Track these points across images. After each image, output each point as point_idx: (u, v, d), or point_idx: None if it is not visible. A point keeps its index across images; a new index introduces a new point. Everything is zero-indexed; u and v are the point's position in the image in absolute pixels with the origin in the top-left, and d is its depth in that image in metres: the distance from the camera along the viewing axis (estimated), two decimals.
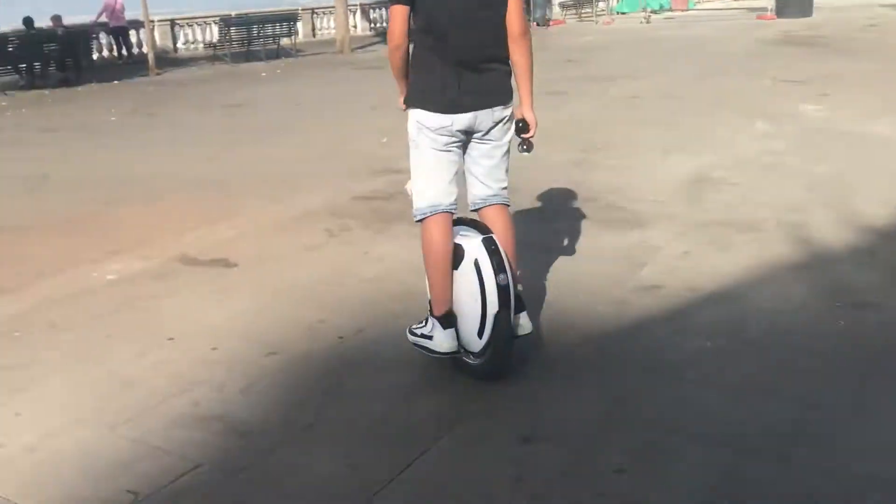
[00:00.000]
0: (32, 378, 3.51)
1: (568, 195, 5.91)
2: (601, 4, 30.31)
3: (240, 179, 7.16)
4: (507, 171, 3.34)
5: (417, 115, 3.15)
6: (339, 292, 4.35)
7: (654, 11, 27.18)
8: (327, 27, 25.35)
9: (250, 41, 19.15)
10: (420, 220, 3.19)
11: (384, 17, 26.64)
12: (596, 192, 5.99)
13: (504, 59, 3.21)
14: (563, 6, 29.90)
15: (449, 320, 3.15)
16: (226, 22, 18.78)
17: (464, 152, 3.24)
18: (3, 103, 13.58)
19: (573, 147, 7.56)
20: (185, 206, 6.33)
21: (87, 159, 8.51)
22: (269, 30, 19.50)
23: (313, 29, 24.99)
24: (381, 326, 3.83)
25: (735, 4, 31.13)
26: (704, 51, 16.01)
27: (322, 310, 4.08)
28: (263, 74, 16.60)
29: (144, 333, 3.92)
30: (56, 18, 15.99)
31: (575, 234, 5.03)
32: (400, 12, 3.05)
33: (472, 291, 3.05)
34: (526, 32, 3.21)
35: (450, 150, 3.17)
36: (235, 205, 6.28)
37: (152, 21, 19.82)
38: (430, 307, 3.24)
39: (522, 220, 4.77)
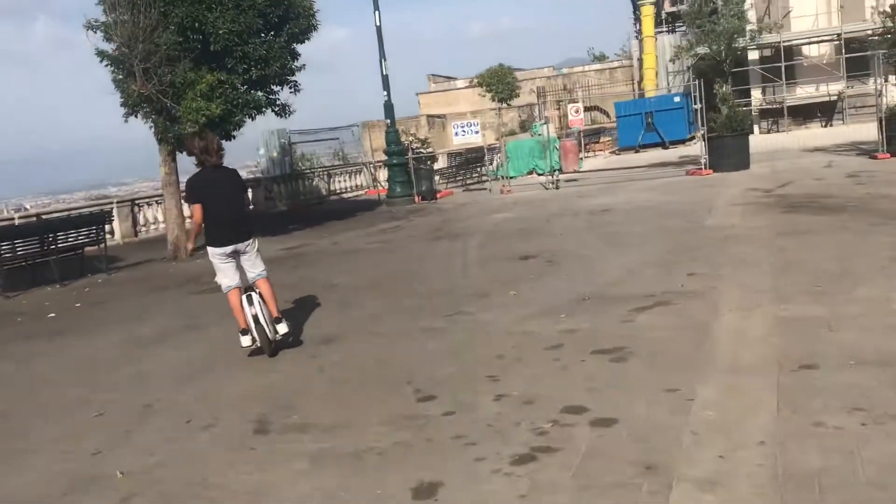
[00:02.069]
0: None
1: None
2: (481, 169, 26.46)
3: None
4: (261, 262, 7.01)
5: (210, 249, 6.80)
6: None
7: (549, 173, 23.45)
8: (154, 221, 19.50)
9: (41, 254, 13.00)
10: (225, 292, 6.87)
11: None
12: None
13: (245, 220, 7.03)
14: (440, 174, 25.79)
15: (244, 331, 6.74)
16: None
17: (238, 259, 6.86)
18: None
19: None
20: None
21: None
22: (66, 239, 13.43)
23: (135, 224, 19.07)
24: None
25: (630, 162, 28.38)
26: (693, 226, 11.55)
27: None
28: (51, 315, 10.48)
29: None
30: None
31: None
32: (198, 207, 6.76)
33: (247, 316, 6.76)
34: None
35: (228, 261, 6.81)
36: None
37: None
38: (238, 327, 6.81)
39: None
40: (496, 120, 32.35)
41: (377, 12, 21.06)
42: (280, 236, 16.47)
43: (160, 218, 19.09)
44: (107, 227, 14.72)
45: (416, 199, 21.47)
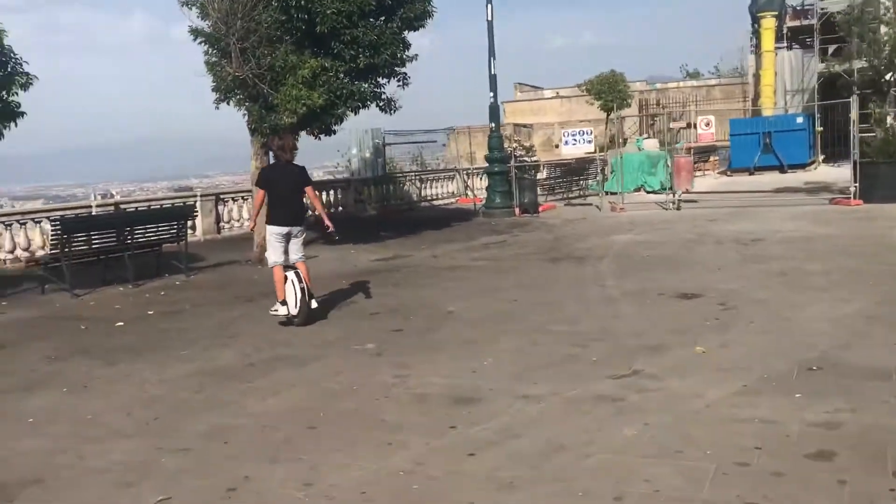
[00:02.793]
0: None
1: None
2: (582, 183, 24.45)
3: None
4: (303, 248, 8.42)
5: (269, 227, 8.23)
6: None
7: (666, 192, 21.35)
8: (238, 218, 18.10)
9: (116, 249, 11.58)
10: (272, 266, 8.25)
11: (332, 200, 19.68)
12: None
13: (302, 209, 8.58)
14: (539, 185, 23.87)
15: (283, 302, 8.11)
16: (65, 225, 11.11)
17: (288, 242, 8.22)
18: None
19: None
20: None
21: None
22: (146, 233, 12.00)
23: (218, 220, 17.69)
24: None
25: (747, 185, 25.97)
26: (886, 269, 9.38)
27: None
28: (119, 324, 8.97)
29: None
30: None
31: None
32: (261, 192, 8.52)
33: (292, 291, 8.05)
34: (317, 199, 9.51)
35: (280, 242, 8.18)
36: None
37: None
38: (277, 298, 8.18)
39: None
40: (605, 130, 30.29)
41: (489, 5, 19.35)
42: (372, 244, 14.82)
43: (245, 215, 17.71)
44: (189, 223, 13.33)
45: (517, 211, 19.61)
